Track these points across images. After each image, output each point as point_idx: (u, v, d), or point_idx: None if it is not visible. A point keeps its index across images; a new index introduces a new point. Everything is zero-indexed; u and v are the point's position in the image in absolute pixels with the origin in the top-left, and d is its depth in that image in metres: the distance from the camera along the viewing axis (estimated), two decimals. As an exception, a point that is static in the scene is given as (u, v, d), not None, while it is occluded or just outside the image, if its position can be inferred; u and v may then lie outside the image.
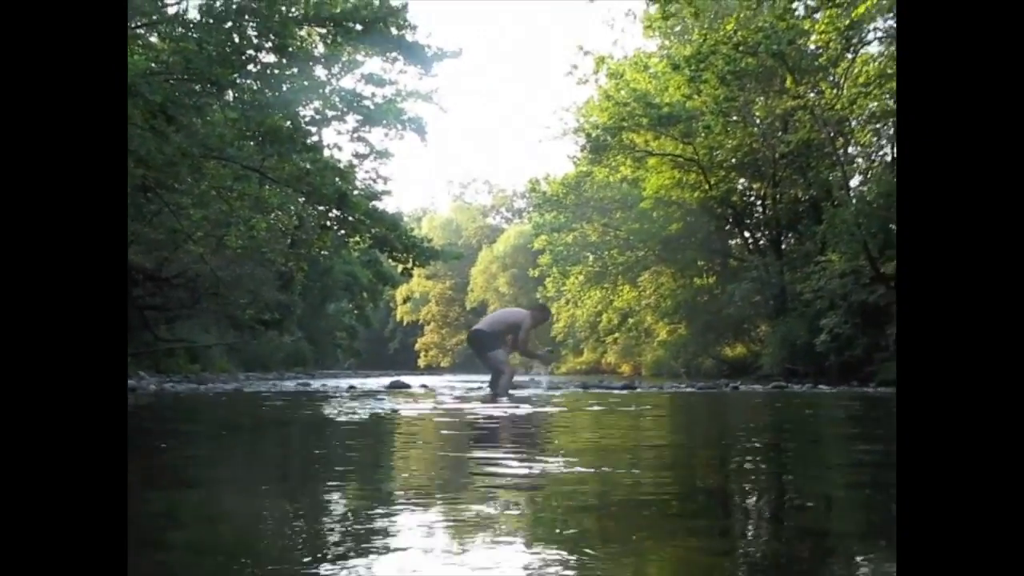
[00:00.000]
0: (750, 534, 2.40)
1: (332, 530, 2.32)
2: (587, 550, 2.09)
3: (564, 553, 2.00)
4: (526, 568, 1.82)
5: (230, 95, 13.01)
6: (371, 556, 1.95)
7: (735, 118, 24.27)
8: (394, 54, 14.25)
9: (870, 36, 19.77)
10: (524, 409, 7.66)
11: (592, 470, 3.59)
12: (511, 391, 10.72)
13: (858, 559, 2.06)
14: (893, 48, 18.61)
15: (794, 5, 18.73)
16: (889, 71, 19.55)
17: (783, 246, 26.85)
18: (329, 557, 1.94)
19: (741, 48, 20.24)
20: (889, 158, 22.35)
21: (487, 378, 11.87)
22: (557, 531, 2.32)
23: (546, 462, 3.85)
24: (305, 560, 1.93)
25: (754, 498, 3.08)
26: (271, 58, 12.73)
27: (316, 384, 15.33)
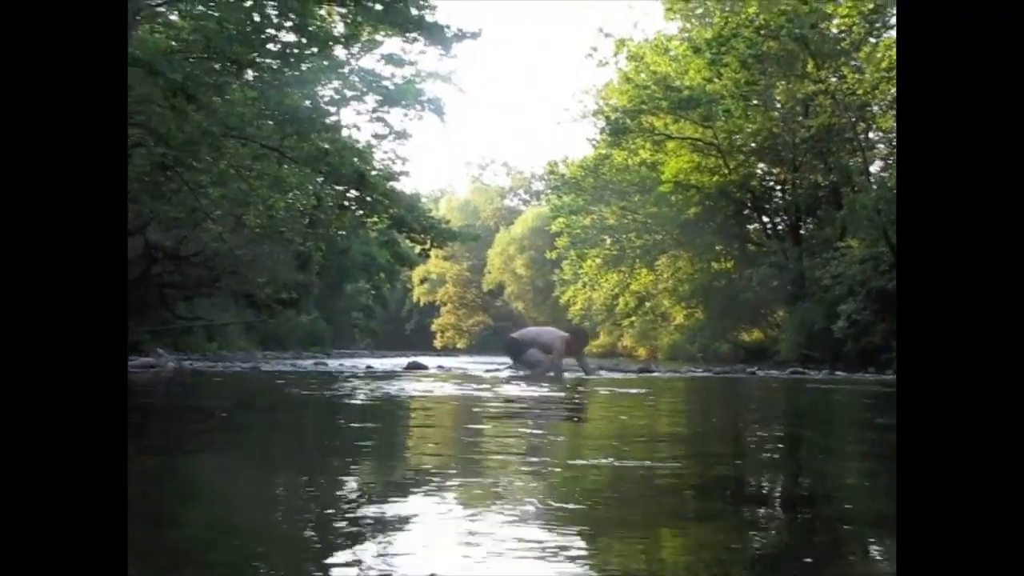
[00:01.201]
0: (763, 522, 2.40)
1: (346, 511, 2.33)
2: (601, 533, 2.09)
3: (578, 535, 2.01)
4: (541, 550, 1.83)
5: (250, 74, 13.01)
6: (385, 535, 1.96)
7: (755, 102, 24.12)
8: (413, 34, 14.20)
9: (893, 20, 19.58)
10: (553, 392, 7.72)
11: (611, 452, 3.60)
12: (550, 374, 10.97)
13: (873, 550, 2.06)
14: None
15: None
16: (913, 56, 19.37)
17: (802, 231, 26.71)
18: (341, 541, 1.95)
19: (763, 31, 20.11)
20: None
21: (508, 360, 12.10)
22: (572, 513, 2.33)
23: (565, 442, 3.86)
24: (316, 545, 1.95)
25: (769, 485, 3.08)
26: (291, 37, 12.70)
27: (334, 364, 15.38)
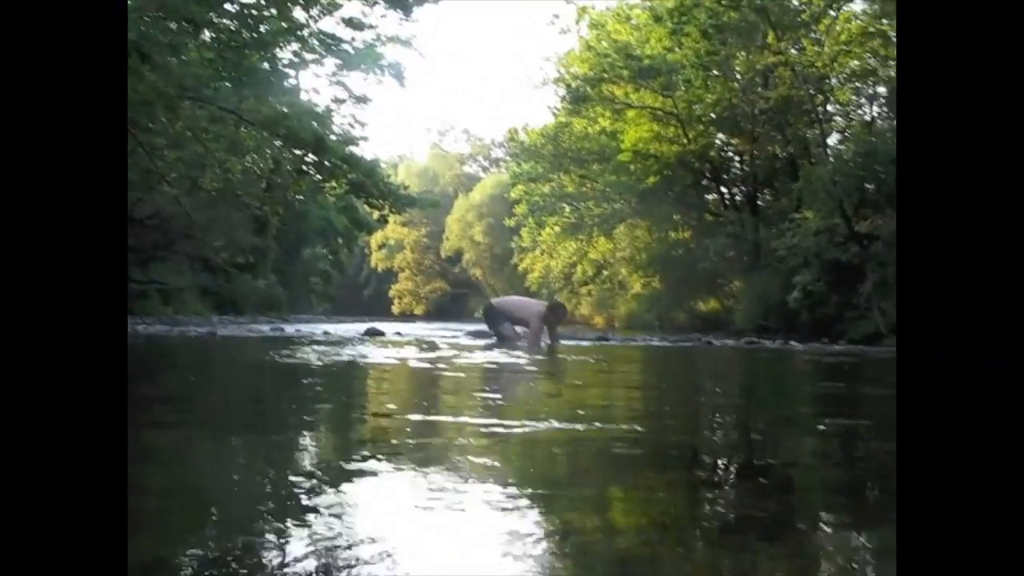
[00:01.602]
0: (715, 484, 2.44)
1: (305, 470, 2.34)
2: (554, 491, 2.12)
3: (531, 491, 2.03)
4: (494, 507, 1.85)
5: (207, 35, 12.78)
6: (340, 495, 1.98)
7: (715, 72, 24.15)
8: (374, -3, 14.05)
9: (853, -7, 19.71)
10: (513, 360, 7.76)
11: (571, 418, 3.63)
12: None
13: (823, 516, 2.11)
14: (876, 6, 18.55)
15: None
16: (871, 30, 19.52)
17: (759, 202, 26.89)
18: (300, 499, 1.96)
19: (724, 2, 20.13)
20: (868, 117, 22.40)
21: (465, 327, 12.19)
22: (528, 473, 2.36)
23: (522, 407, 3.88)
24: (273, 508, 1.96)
25: (722, 452, 3.13)
26: (249, -2, 12.51)
27: (291, 329, 15.29)
